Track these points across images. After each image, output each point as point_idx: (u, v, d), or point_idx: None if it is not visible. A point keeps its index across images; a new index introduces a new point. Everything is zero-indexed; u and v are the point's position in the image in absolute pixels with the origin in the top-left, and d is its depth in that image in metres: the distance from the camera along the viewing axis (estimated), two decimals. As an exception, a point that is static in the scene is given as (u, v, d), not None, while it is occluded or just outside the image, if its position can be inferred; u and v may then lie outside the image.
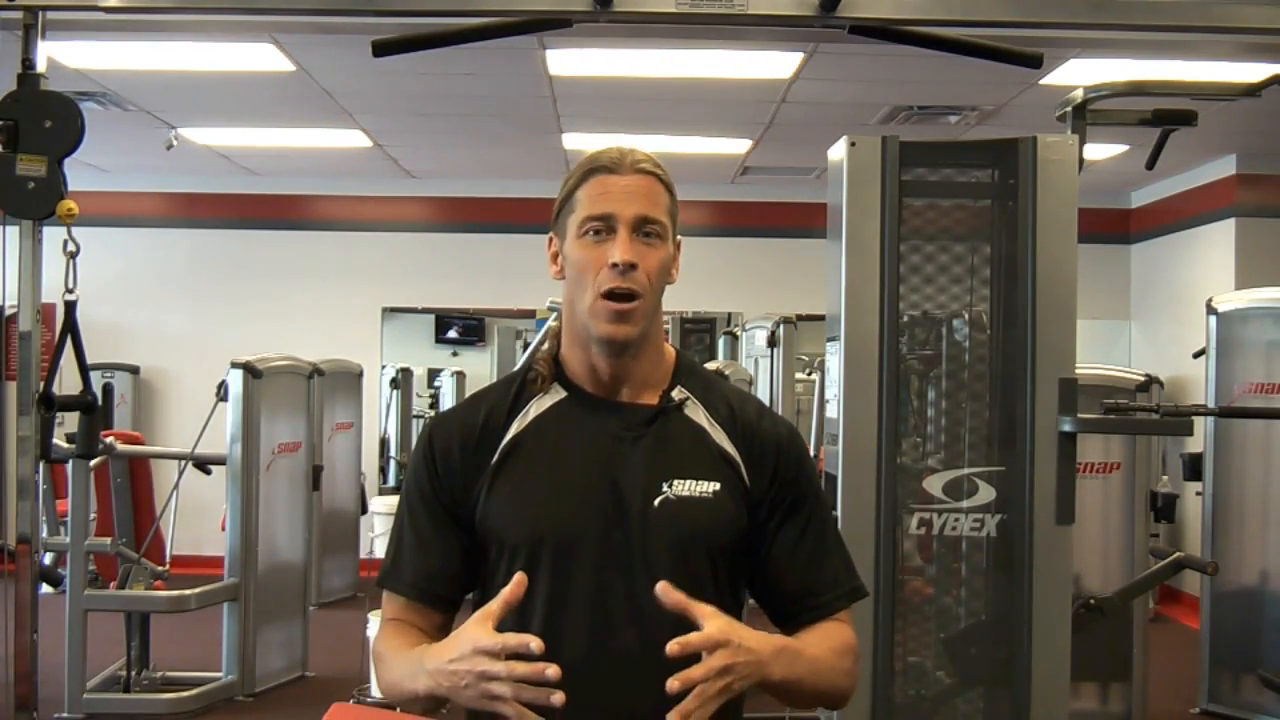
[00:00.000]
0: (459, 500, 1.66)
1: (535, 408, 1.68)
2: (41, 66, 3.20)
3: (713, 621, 1.45)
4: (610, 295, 1.59)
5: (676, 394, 1.68)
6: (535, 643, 1.40)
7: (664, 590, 1.47)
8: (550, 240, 1.70)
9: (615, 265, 1.58)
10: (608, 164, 1.63)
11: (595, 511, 1.61)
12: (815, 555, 1.69)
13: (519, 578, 1.48)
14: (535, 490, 1.63)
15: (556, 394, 1.68)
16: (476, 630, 1.45)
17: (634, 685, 1.52)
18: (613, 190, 1.61)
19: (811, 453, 5.56)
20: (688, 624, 1.51)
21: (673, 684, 1.40)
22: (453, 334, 10.46)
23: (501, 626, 1.56)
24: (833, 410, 3.12)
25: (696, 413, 1.68)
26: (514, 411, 1.68)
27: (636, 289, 1.59)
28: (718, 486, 1.63)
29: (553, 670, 1.39)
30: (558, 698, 1.39)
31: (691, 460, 1.64)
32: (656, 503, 1.61)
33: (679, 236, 1.68)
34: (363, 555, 7.97)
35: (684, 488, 1.62)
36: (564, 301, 1.68)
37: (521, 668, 1.40)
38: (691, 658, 1.45)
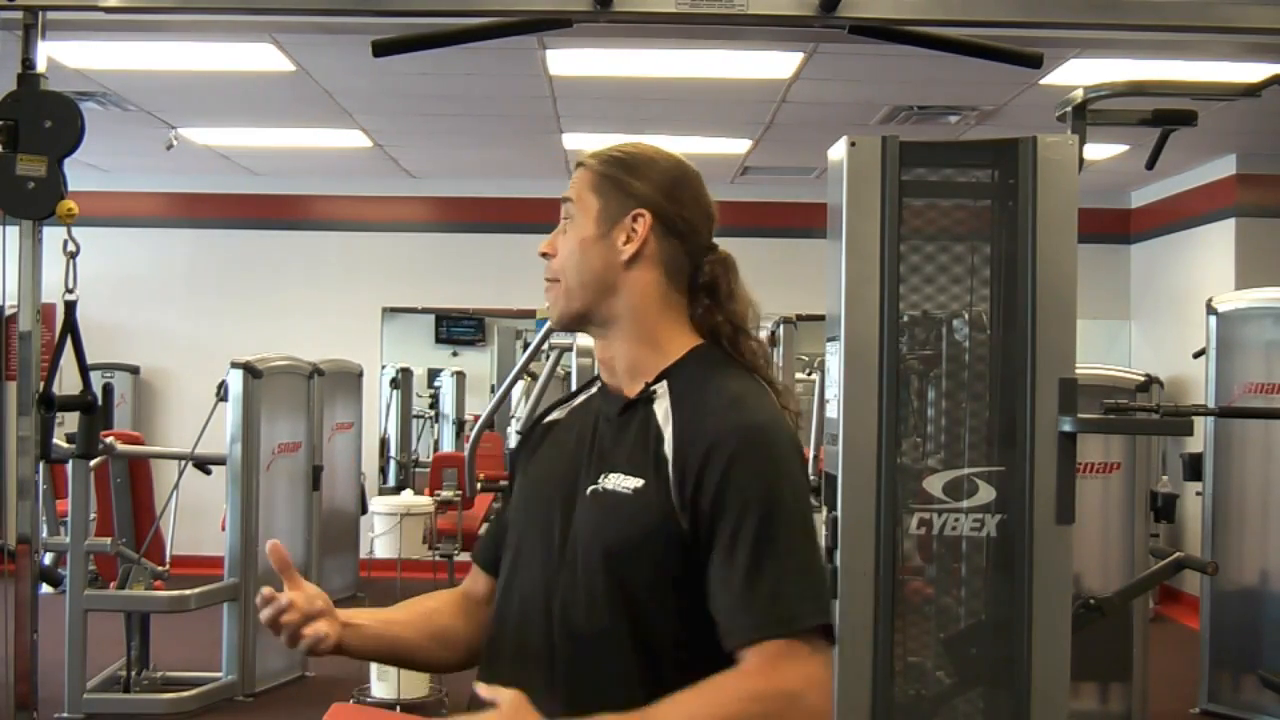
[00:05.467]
0: (513, 483, 1.77)
1: (579, 398, 1.76)
2: (41, 66, 3.19)
3: (502, 708, 1.45)
4: None
5: (657, 387, 1.62)
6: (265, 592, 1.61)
7: (480, 688, 1.51)
8: None
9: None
10: None
11: (548, 501, 1.63)
12: (746, 574, 1.49)
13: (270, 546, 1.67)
14: (531, 477, 1.71)
15: (595, 386, 1.75)
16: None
17: (539, 676, 1.54)
18: None
19: (811, 453, 5.49)
20: (593, 624, 1.54)
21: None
22: (453, 334, 10.47)
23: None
24: (833, 410, 3.12)
25: (660, 406, 1.59)
26: (567, 402, 1.78)
27: (549, 276, 1.67)
28: (640, 484, 1.54)
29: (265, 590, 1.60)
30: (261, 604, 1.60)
31: (632, 455, 1.58)
32: (588, 493, 1.59)
33: (640, 210, 1.62)
34: (363, 555, 7.96)
35: (611, 481, 1.57)
36: None
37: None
38: (601, 662, 1.53)
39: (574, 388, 1.90)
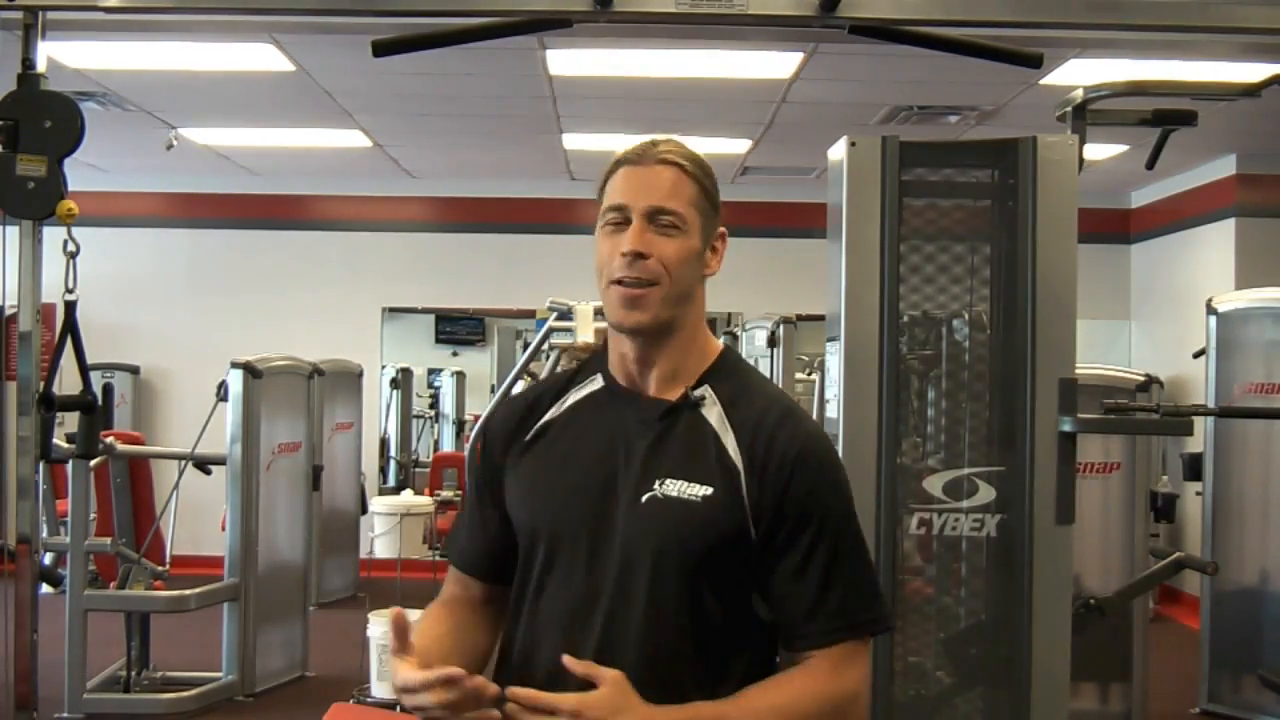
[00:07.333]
0: (496, 477, 1.71)
1: (574, 395, 1.71)
2: (41, 66, 3.20)
3: (607, 688, 1.48)
4: (621, 283, 1.60)
5: (699, 392, 1.64)
6: (450, 672, 1.47)
7: (569, 662, 1.51)
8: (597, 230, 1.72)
9: (624, 255, 1.59)
10: (633, 156, 1.64)
11: (586, 504, 1.61)
12: (805, 585, 1.58)
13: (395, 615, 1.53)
14: (544, 477, 1.67)
15: (595, 384, 1.71)
16: (399, 668, 1.52)
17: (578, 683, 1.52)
18: (631, 181, 1.62)
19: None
20: (655, 630, 1.55)
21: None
22: (453, 334, 10.47)
23: (512, 605, 1.66)
24: (833, 410, 3.12)
25: (711, 412, 1.63)
26: (557, 397, 1.72)
27: (646, 277, 1.59)
28: (710, 491, 1.57)
29: (492, 690, 1.48)
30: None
31: (691, 461, 1.60)
32: (644, 499, 1.58)
33: (722, 229, 1.69)
34: (363, 555, 7.97)
35: (675, 488, 1.58)
36: None
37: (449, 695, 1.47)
38: (663, 664, 1.54)
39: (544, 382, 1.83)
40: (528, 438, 1.69)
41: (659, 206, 1.60)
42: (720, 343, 1.71)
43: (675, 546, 1.56)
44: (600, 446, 1.64)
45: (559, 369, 6.20)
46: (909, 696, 3.05)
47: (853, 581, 1.61)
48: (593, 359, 1.76)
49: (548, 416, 1.70)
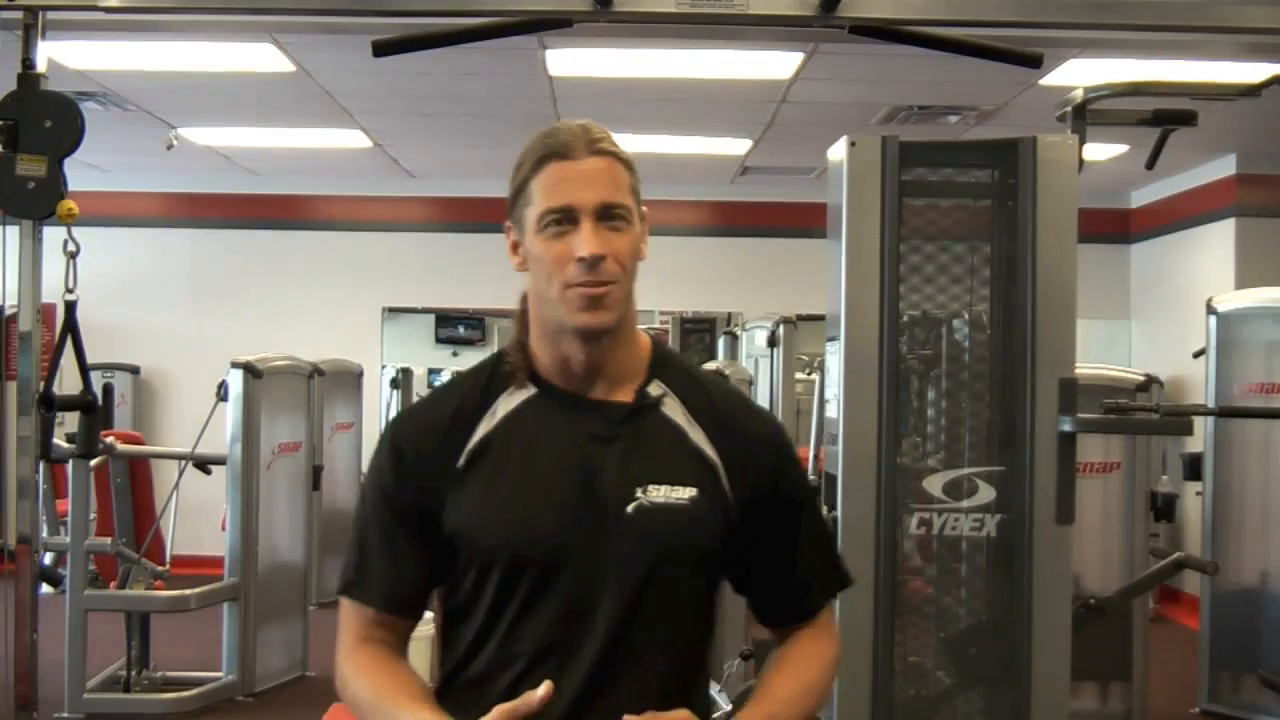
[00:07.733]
0: (424, 502, 1.57)
1: (503, 406, 1.57)
2: (41, 66, 3.20)
3: None
4: (581, 285, 1.50)
5: (653, 389, 1.59)
6: None
7: None
8: (508, 229, 1.59)
9: (583, 259, 1.49)
10: (560, 149, 1.51)
11: (571, 519, 1.52)
12: (800, 558, 1.65)
13: (546, 689, 1.47)
14: (507, 496, 1.54)
15: (525, 390, 1.58)
16: None
17: (602, 700, 1.50)
18: (570, 178, 1.50)
19: (811, 453, 5.46)
20: (662, 637, 1.54)
21: None
22: (453, 334, 10.46)
23: (475, 630, 1.57)
24: (833, 410, 3.12)
25: (674, 410, 1.58)
26: (482, 409, 1.58)
27: (607, 279, 1.50)
28: (695, 492, 1.54)
29: None
30: None
31: (667, 463, 1.55)
32: (630, 509, 1.52)
33: (644, 208, 1.58)
34: (363, 555, 7.96)
35: (659, 493, 1.53)
36: (530, 294, 1.59)
37: None
38: (674, 665, 1.55)
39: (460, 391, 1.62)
40: (464, 458, 1.55)
41: (608, 203, 1.51)
42: (646, 335, 1.66)
43: (675, 553, 1.54)
44: (563, 458, 1.54)
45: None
46: (909, 696, 3.05)
47: (824, 549, 1.72)
48: (507, 361, 1.61)
49: (481, 432, 1.56)
